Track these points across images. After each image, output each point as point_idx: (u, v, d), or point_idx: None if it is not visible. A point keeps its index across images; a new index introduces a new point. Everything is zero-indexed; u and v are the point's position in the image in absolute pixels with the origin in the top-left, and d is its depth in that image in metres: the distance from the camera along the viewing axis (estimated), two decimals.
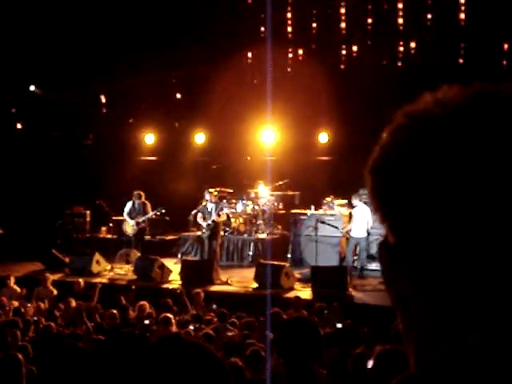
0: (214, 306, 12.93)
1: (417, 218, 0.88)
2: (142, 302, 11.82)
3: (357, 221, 16.01)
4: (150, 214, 17.60)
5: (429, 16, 18.99)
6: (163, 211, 18.21)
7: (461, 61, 18.83)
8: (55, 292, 14.28)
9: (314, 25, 20.50)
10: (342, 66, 20.53)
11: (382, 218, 0.94)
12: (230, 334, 9.88)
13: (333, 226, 16.58)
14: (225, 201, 17.97)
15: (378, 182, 0.95)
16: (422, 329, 0.92)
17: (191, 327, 10.06)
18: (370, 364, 9.04)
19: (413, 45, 19.63)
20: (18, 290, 14.40)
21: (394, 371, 3.39)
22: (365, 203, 16.12)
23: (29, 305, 12.45)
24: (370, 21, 19.88)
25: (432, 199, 0.87)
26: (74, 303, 11.99)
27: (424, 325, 0.92)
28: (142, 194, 17.68)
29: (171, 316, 10.14)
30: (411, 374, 0.93)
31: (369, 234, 16.26)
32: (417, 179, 0.88)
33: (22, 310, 11.62)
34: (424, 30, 19.18)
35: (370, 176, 0.96)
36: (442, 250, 0.88)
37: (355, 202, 16.08)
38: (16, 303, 12.44)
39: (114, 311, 11.10)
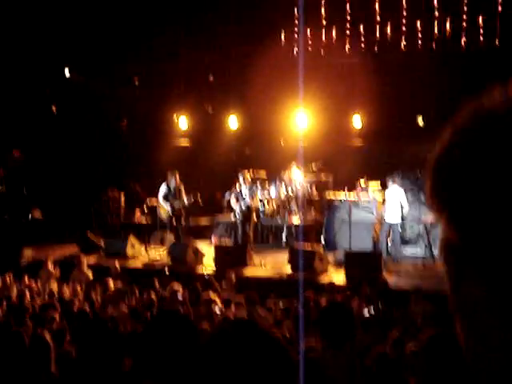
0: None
1: (485, 216, 0.85)
2: (176, 286, 11.88)
3: (390, 204, 15.93)
4: (186, 200, 17.61)
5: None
6: (196, 199, 18.23)
7: (497, 43, 18.60)
8: (90, 275, 14.43)
9: (348, 6, 20.39)
10: (376, 49, 20.39)
11: (444, 217, 0.90)
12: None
13: (367, 209, 16.53)
14: (258, 184, 17.96)
15: (441, 180, 0.91)
16: (489, 337, 0.86)
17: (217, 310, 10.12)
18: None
19: (448, 26, 19.42)
20: (56, 272, 14.56)
21: (441, 356, 3.39)
22: (400, 187, 16.08)
23: (65, 287, 12.58)
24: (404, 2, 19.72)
25: (505, 198, 0.84)
26: (112, 285, 12.12)
27: (491, 333, 0.86)
28: (176, 172, 17.66)
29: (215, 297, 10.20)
30: None
31: (404, 218, 16.20)
32: (487, 178, 0.85)
33: (58, 292, 11.78)
34: (459, 12, 18.98)
35: (433, 173, 0.92)
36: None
37: (390, 186, 16.02)
38: (54, 285, 12.59)
39: (152, 295, 11.20)
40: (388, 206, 15.99)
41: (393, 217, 15.91)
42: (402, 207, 15.89)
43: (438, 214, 0.90)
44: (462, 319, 0.90)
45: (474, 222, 0.86)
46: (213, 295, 10.47)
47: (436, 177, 0.91)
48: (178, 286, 11.79)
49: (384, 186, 16.62)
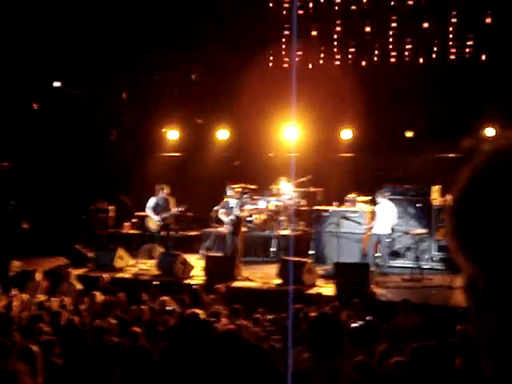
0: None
1: (506, 259, 0.85)
2: (164, 298, 11.86)
3: (380, 218, 15.97)
4: (174, 210, 17.63)
5: (454, 13, 18.95)
6: (186, 208, 18.22)
7: (483, 58, 18.73)
8: (79, 287, 14.38)
9: (338, 21, 20.51)
10: (364, 63, 20.49)
11: (467, 258, 0.91)
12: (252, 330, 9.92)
13: (356, 221, 16.55)
14: (246, 196, 17.98)
15: (463, 225, 0.91)
16: (506, 373, 0.86)
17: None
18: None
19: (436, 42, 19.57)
20: (45, 283, 14.52)
21: (427, 367, 3.41)
22: (389, 200, 16.11)
23: (52, 299, 12.53)
24: (394, 18, 19.87)
25: None
26: (98, 297, 12.08)
27: (507, 369, 0.86)
28: (166, 187, 17.72)
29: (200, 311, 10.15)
30: None
31: (393, 230, 16.23)
32: (506, 224, 0.85)
33: (46, 304, 11.73)
34: (448, 27, 19.13)
35: (454, 218, 0.93)
36: None
37: (379, 199, 16.05)
38: (42, 297, 12.54)
39: (143, 306, 11.17)
40: (378, 219, 16.01)
41: (381, 228, 15.93)
42: (391, 220, 15.93)
43: (461, 255, 0.91)
44: (483, 353, 0.91)
45: (496, 265, 0.87)
46: (197, 310, 10.42)
47: (457, 221, 0.92)
48: (167, 298, 11.77)
49: (374, 202, 16.64)
